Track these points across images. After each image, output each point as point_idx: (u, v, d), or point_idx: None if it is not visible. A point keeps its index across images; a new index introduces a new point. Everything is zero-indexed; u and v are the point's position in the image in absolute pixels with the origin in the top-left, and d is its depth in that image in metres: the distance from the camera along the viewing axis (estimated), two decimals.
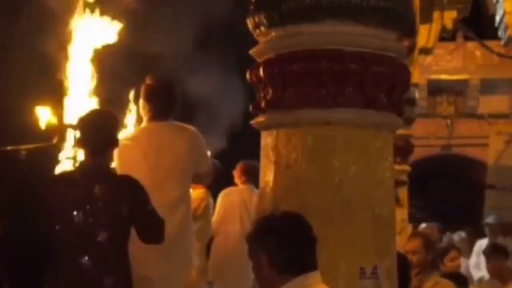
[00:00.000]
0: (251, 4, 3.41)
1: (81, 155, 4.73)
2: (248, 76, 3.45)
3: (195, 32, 7.99)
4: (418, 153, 13.77)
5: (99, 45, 5.39)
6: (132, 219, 4.42)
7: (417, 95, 11.11)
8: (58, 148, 5.12)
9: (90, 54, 5.37)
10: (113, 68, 5.31)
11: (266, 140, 3.41)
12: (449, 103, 18.89)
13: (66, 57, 5.10)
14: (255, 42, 3.42)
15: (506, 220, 11.42)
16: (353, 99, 3.25)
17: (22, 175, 4.93)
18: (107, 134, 4.57)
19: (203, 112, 8.95)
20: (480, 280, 9.38)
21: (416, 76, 9.40)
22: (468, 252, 10.66)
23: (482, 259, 9.21)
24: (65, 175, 4.52)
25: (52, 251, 4.25)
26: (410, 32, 3.60)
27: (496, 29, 11.82)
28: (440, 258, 6.70)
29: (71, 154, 5.06)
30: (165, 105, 5.41)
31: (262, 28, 3.37)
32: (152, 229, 4.53)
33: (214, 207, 7.81)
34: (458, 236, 11.23)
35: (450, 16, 10.41)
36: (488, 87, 18.12)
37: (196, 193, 7.19)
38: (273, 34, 3.34)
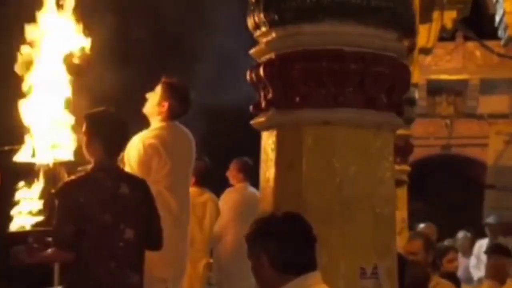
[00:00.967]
0: (251, 4, 3.41)
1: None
2: (248, 76, 3.46)
3: None
4: (417, 153, 13.76)
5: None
6: (148, 219, 4.44)
7: (416, 95, 11.10)
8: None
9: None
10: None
11: (267, 140, 3.41)
12: (449, 103, 18.87)
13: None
14: None
15: (506, 220, 11.42)
16: (353, 99, 3.25)
17: None
18: (127, 136, 4.59)
19: None
20: (480, 280, 9.38)
21: (416, 76, 9.39)
22: (470, 252, 10.65)
23: (482, 259, 9.21)
24: (86, 177, 4.36)
25: (77, 254, 4.21)
26: (410, 32, 3.60)
27: (496, 29, 11.81)
28: (439, 258, 6.70)
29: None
30: (183, 104, 5.42)
31: (263, 28, 3.37)
32: (157, 235, 4.52)
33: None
34: (463, 234, 11.20)
35: (450, 16, 10.41)
36: (487, 87, 18.10)
37: (203, 197, 7.23)
38: (274, 34, 3.34)
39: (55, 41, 4.80)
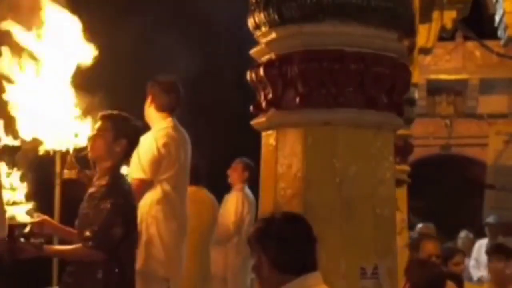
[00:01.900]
0: (252, 5, 3.41)
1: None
2: (248, 76, 3.46)
3: None
4: (417, 153, 13.75)
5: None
6: None
7: (416, 95, 11.10)
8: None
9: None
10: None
11: (267, 140, 3.41)
12: (448, 103, 18.87)
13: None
14: None
15: (506, 220, 11.41)
16: (353, 99, 3.25)
17: None
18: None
19: None
20: (480, 280, 9.37)
21: (416, 76, 9.38)
22: (471, 252, 10.64)
23: (482, 259, 9.20)
24: (123, 180, 4.45)
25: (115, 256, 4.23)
26: (410, 32, 3.60)
27: (495, 29, 11.81)
28: (445, 260, 6.67)
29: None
30: (172, 96, 5.47)
31: (263, 29, 3.37)
32: None
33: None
34: (465, 233, 11.19)
35: (449, 16, 10.39)
36: (487, 87, 18.09)
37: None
38: (274, 34, 3.34)
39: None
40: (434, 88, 18.40)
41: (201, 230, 6.96)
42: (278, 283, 2.94)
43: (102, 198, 4.20)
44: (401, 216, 8.39)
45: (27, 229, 4.33)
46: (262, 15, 3.33)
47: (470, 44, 17.69)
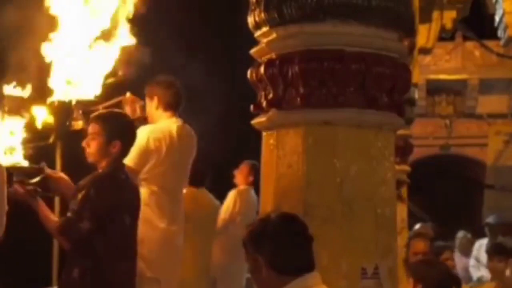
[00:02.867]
0: (252, 4, 3.41)
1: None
2: (249, 76, 3.45)
3: None
4: (417, 153, 13.76)
5: None
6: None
7: (416, 95, 11.11)
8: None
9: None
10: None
11: (267, 140, 3.40)
12: (448, 103, 18.90)
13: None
14: None
15: (506, 220, 11.41)
16: (354, 99, 3.25)
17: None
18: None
19: None
20: (480, 279, 9.38)
21: (415, 76, 9.39)
22: (470, 252, 10.64)
23: (482, 259, 9.21)
24: (112, 176, 4.34)
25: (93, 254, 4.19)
26: (410, 32, 3.60)
27: (495, 29, 11.81)
28: (434, 257, 6.71)
29: None
30: (172, 91, 5.48)
31: (263, 28, 3.37)
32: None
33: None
34: (463, 234, 11.19)
35: (449, 16, 10.40)
36: (487, 87, 18.13)
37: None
38: (274, 34, 3.33)
39: None
40: (434, 88, 18.44)
41: (200, 232, 6.96)
42: (276, 284, 2.93)
43: (82, 187, 4.21)
44: (401, 216, 8.40)
45: (36, 180, 4.36)
46: (262, 14, 3.33)
47: (470, 44, 17.73)
